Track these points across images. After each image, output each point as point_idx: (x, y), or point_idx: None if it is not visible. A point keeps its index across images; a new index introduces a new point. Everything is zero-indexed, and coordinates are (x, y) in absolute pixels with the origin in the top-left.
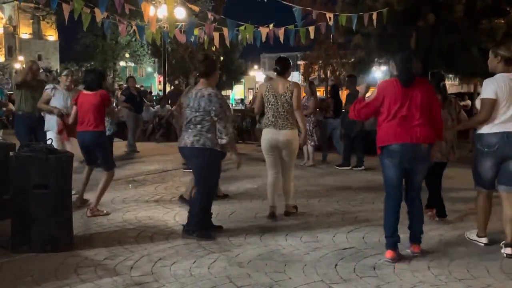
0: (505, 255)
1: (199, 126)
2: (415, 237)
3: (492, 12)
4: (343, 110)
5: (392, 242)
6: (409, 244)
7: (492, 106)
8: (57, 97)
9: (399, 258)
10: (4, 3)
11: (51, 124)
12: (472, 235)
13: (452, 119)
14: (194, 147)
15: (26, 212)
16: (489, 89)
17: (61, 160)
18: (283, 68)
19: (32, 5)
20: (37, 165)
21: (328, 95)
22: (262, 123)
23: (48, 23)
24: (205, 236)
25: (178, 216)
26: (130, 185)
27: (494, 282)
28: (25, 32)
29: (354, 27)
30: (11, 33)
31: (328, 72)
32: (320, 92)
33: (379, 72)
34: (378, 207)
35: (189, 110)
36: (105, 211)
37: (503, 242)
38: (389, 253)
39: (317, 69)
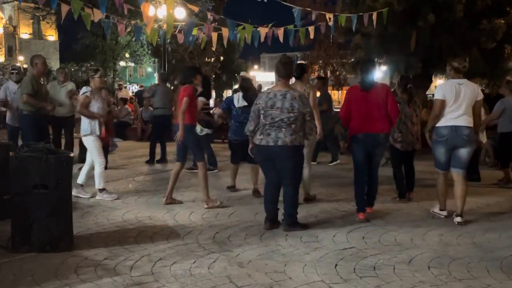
0: (456, 223)
1: (293, 125)
2: (369, 201)
3: (492, 12)
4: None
5: (362, 207)
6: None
7: (440, 104)
8: (96, 99)
9: (367, 219)
10: (4, 3)
11: (94, 128)
12: (435, 209)
13: (416, 116)
14: (294, 145)
15: (26, 212)
16: (438, 92)
17: (61, 160)
18: (300, 73)
19: (32, 5)
20: (37, 165)
21: None
22: None
23: (48, 23)
24: (306, 227)
25: (178, 216)
26: (130, 185)
27: (494, 282)
28: (25, 32)
29: (354, 27)
30: (11, 33)
31: (328, 72)
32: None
33: (379, 72)
34: (378, 208)
35: (279, 111)
36: (218, 202)
37: (455, 213)
38: (361, 215)
39: (317, 69)
